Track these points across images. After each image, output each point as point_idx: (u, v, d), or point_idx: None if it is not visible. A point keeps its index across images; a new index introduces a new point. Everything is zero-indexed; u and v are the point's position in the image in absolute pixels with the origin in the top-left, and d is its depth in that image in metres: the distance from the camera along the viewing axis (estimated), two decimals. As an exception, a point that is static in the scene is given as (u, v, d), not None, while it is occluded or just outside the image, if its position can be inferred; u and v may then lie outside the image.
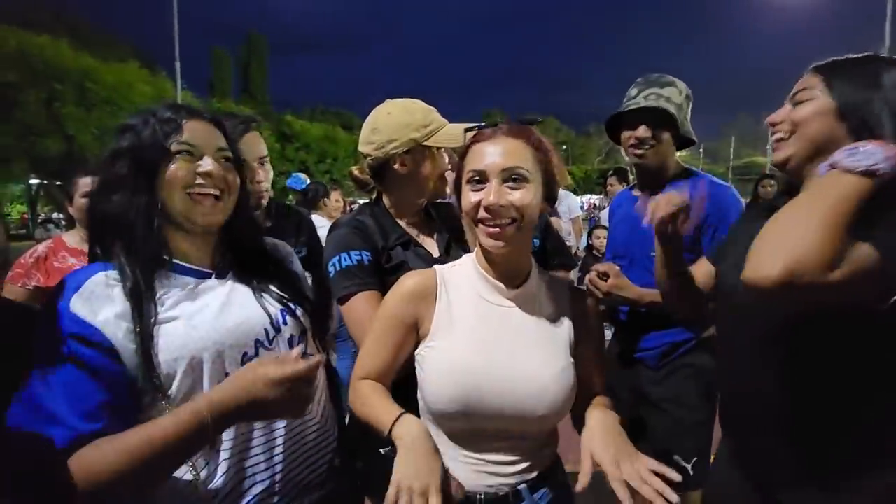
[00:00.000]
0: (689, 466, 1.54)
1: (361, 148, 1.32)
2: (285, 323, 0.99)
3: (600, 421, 0.91)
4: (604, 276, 1.53)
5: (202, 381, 0.84)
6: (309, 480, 0.98)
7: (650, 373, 1.61)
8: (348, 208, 4.55)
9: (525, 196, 0.90)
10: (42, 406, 0.74)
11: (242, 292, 0.97)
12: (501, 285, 0.98)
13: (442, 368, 0.92)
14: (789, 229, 0.77)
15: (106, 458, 0.73)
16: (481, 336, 0.95)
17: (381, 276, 1.21)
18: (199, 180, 0.89)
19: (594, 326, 1.08)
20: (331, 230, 1.32)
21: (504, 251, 0.92)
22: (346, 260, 1.20)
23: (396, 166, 1.26)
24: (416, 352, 0.99)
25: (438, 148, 1.29)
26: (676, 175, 1.61)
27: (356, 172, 1.39)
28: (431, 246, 1.32)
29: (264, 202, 1.56)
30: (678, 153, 1.68)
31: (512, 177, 0.91)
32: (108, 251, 0.87)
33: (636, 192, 1.74)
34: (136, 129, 0.88)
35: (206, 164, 0.89)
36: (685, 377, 1.55)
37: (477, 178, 0.92)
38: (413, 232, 1.31)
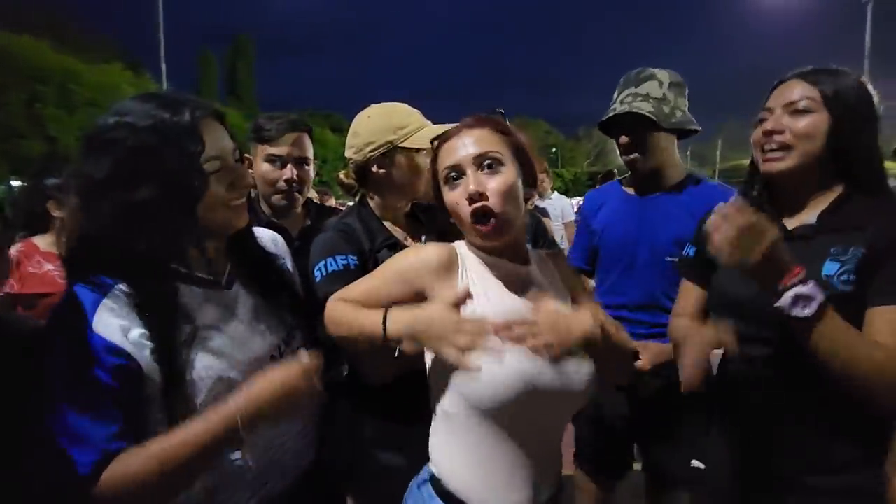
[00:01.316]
0: (701, 465, 1.50)
1: (346, 152, 1.31)
2: (294, 336, 0.97)
3: None
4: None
5: (227, 395, 0.82)
6: (286, 480, 0.95)
7: (657, 378, 1.50)
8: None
9: (505, 180, 0.87)
10: (68, 426, 0.71)
11: (255, 305, 0.93)
12: (509, 265, 0.94)
13: (500, 371, 0.80)
14: (862, 375, 0.86)
15: (137, 467, 0.71)
16: (511, 303, 0.89)
17: None
18: (238, 194, 0.86)
19: (578, 281, 1.08)
20: (322, 230, 1.30)
21: (498, 244, 0.90)
22: (332, 264, 1.17)
23: (374, 169, 1.25)
24: None
25: (419, 150, 1.26)
26: (681, 182, 1.52)
27: (342, 177, 1.39)
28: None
29: (300, 200, 1.57)
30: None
31: (486, 163, 0.88)
32: (119, 276, 0.78)
33: (627, 189, 1.62)
34: (152, 146, 0.76)
35: (240, 173, 0.86)
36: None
37: (453, 174, 0.89)
38: (399, 234, 1.30)
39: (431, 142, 1.02)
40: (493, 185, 0.86)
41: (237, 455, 0.85)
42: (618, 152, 1.57)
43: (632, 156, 1.49)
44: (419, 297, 0.90)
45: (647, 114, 1.40)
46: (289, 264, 1.09)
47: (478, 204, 0.85)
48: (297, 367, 0.79)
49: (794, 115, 0.97)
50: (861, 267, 0.92)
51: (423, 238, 1.34)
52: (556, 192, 5.14)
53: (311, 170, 1.57)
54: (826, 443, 0.95)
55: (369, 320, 0.88)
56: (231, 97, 41.11)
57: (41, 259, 1.77)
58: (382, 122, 1.25)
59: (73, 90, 15.73)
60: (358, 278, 1.13)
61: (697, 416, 1.50)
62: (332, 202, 4.24)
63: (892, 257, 0.89)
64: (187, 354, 0.79)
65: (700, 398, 1.58)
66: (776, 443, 1.01)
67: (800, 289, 0.85)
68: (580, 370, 0.87)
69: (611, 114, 1.48)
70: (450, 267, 0.91)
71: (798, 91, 0.97)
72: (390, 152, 1.24)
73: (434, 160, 0.95)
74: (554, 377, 0.83)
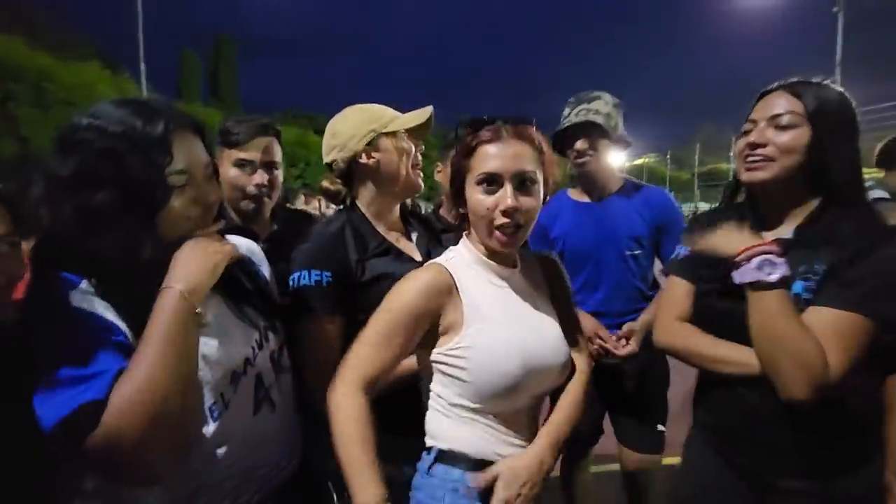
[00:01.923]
0: (665, 430, 1.84)
1: (326, 159, 1.31)
2: (267, 339, 0.97)
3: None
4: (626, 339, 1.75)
5: (201, 397, 0.83)
6: (269, 484, 0.95)
7: (630, 357, 1.75)
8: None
9: (534, 202, 0.94)
10: (55, 377, 0.68)
11: (227, 309, 0.94)
12: (503, 268, 1.02)
13: (499, 346, 0.93)
14: (776, 357, 0.91)
15: (130, 388, 0.69)
16: (510, 313, 0.99)
17: (344, 295, 1.17)
18: (200, 210, 0.85)
19: (565, 286, 1.16)
20: (306, 237, 1.27)
21: (509, 251, 1.00)
22: (304, 278, 1.16)
23: (363, 160, 1.25)
24: (450, 347, 0.94)
25: (402, 134, 1.28)
26: (622, 188, 1.86)
27: (327, 185, 1.36)
28: (412, 250, 1.30)
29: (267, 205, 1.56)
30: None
31: (523, 181, 0.93)
32: (83, 275, 0.78)
33: (579, 198, 1.92)
34: (119, 152, 0.76)
35: (206, 190, 0.86)
36: (650, 352, 1.67)
37: (488, 180, 0.93)
38: (392, 237, 1.29)
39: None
40: (527, 205, 0.93)
41: (223, 449, 0.86)
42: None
43: (585, 159, 1.79)
44: (441, 322, 0.96)
45: (601, 122, 1.73)
46: (265, 271, 1.09)
47: (510, 220, 0.92)
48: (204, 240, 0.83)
49: (778, 130, 0.99)
50: (822, 282, 0.94)
51: (414, 237, 1.34)
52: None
53: (279, 174, 1.56)
54: (803, 447, 0.97)
55: (352, 470, 0.86)
56: (213, 98, 40.52)
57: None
58: (361, 116, 1.27)
59: (47, 89, 15.29)
60: (326, 297, 1.15)
61: (662, 388, 1.86)
62: (315, 204, 4.19)
63: (848, 266, 0.92)
64: None
65: (664, 373, 1.84)
66: (754, 445, 1.04)
67: (770, 256, 0.91)
68: (558, 343, 1.02)
69: (567, 124, 1.77)
70: (449, 289, 0.96)
71: (782, 104, 1.00)
72: (375, 140, 1.25)
73: (466, 155, 0.97)
74: (542, 353, 0.97)
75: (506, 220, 0.92)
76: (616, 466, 2.00)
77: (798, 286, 0.96)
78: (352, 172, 1.28)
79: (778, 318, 0.90)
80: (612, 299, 1.83)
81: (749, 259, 0.93)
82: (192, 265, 0.80)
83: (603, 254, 1.82)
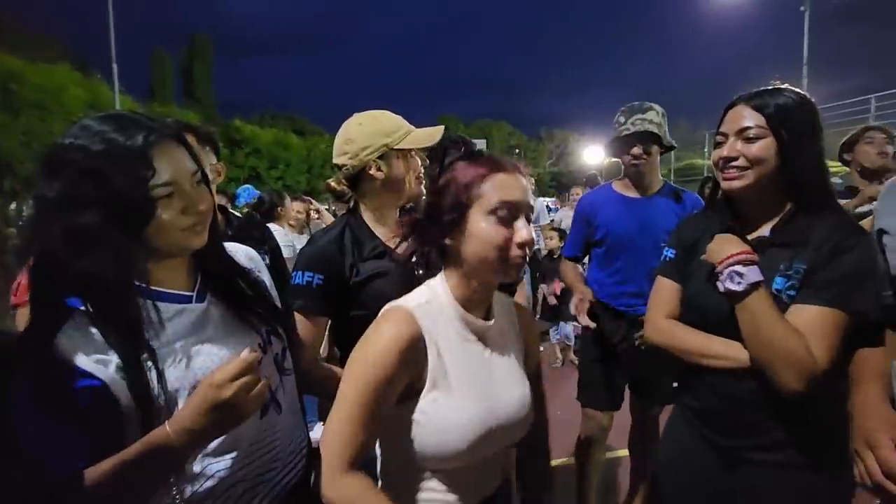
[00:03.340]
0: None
1: (336, 160, 1.34)
2: (270, 343, 0.98)
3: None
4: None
5: None
6: (280, 487, 0.96)
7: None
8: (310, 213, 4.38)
9: (532, 233, 0.94)
10: (30, 450, 0.72)
11: (227, 315, 0.94)
12: (479, 321, 0.97)
13: (452, 420, 0.89)
14: (768, 356, 0.98)
15: (81, 491, 0.71)
16: (472, 377, 0.93)
17: (335, 297, 1.25)
18: (191, 220, 0.85)
19: (536, 340, 1.15)
20: (309, 241, 1.38)
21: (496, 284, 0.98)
22: (297, 278, 1.26)
23: (372, 171, 1.30)
24: (411, 407, 0.91)
25: (410, 151, 1.33)
26: (662, 188, 2.12)
27: (333, 184, 1.42)
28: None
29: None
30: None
31: (528, 215, 0.94)
32: (79, 295, 0.79)
33: (624, 192, 2.15)
34: (102, 171, 0.76)
35: (194, 199, 0.85)
36: None
37: (504, 210, 0.88)
38: (391, 241, 1.33)
39: (450, 155, 1.09)
40: (531, 238, 0.92)
41: (232, 455, 0.86)
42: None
43: (640, 162, 2.02)
44: (416, 382, 0.91)
45: (656, 131, 1.96)
46: (265, 278, 1.10)
47: (525, 253, 0.91)
48: (223, 374, 0.76)
49: (747, 142, 1.07)
50: (803, 281, 1.03)
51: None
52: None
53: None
54: (766, 425, 1.09)
55: None
56: (188, 99, 39.70)
57: None
58: (375, 127, 1.31)
59: (15, 92, 14.80)
60: (314, 297, 1.23)
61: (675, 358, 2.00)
62: (300, 208, 4.10)
63: (824, 267, 1.01)
64: (157, 370, 0.79)
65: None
66: (730, 425, 1.14)
67: (737, 267, 1.01)
68: (524, 400, 0.98)
69: (626, 132, 1.99)
70: (417, 349, 0.89)
71: (746, 118, 1.07)
72: (387, 154, 1.29)
73: (472, 182, 0.90)
74: (499, 422, 0.93)
75: (521, 252, 0.90)
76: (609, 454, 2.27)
77: (779, 282, 1.05)
78: (359, 179, 1.33)
79: (762, 321, 1.00)
80: (645, 285, 1.95)
81: (721, 271, 1.05)
82: (189, 405, 0.77)
83: (640, 244, 2.03)
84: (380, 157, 1.30)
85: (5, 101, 14.53)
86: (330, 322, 1.32)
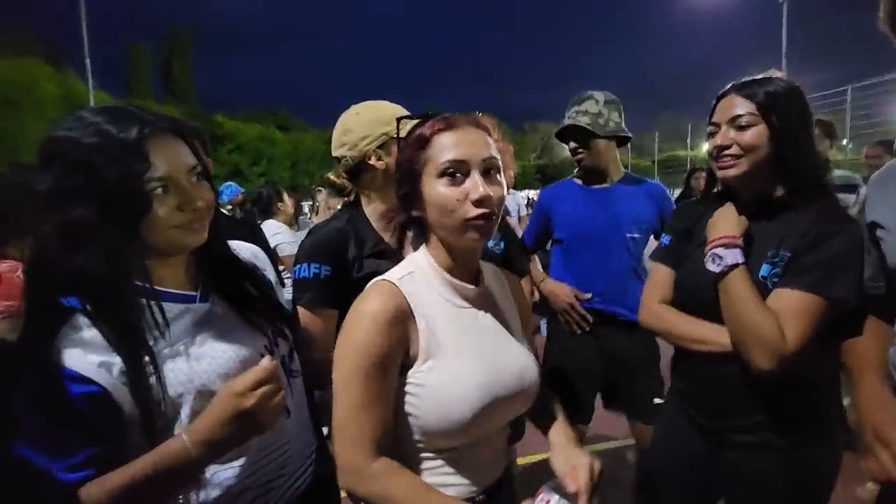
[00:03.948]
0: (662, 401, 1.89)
1: (336, 152, 1.31)
2: (277, 344, 0.95)
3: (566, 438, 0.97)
4: None
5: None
6: (289, 493, 0.94)
7: (624, 337, 1.85)
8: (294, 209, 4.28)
9: (502, 190, 0.86)
10: (27, 458, 0.69)
11: (233, 315, 0.91)
12: (467, 286, 0.92)
13: (455, 386, 0.84)
14: (740, 333, 1.03)
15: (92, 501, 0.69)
16: (469, 343, 0.89)
17: (341, 290, 1.18)
18: (187, 216, 0.80)
19: (528, 305, 1.10)
20: (310, 233, 1.32)
21: (480, 245, 0.89)
22: (304, 271, 1.21)
23: (372, 161, 1.26)
24: (406, 380, 0.85)
25: None
26: (623, 178, 1.98)
27: (333, 178, 1.37)
28: (409, 250, 1.31)
29: None
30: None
31: (488, 169, 0.85)
32: (77, 295, 0.76)
33: (583, 184, 2.01)
34: (93, 163, 0.73)
35: (191, 194, 0.80)
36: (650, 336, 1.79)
37: (452, 169, 0.83)
38: (388, 236, 1.29)
39: (398, 120, 1.04)
40: (497, 193, 0.84)
41: (240, 462, 0.84)
42: (564, 148, 2.02)
43: (579, 156, 1.92)
44: (409, 351, 0.87)
45: (584, 125, 1.86)
46: (270, 276, 1.06)
47: (484, 210, 0.82)
48: (244, 383, 0.73)
49: (739, 130, 1.08)
50: (786, 267, 1.05)
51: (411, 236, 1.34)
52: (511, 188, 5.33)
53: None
54: (746, 407, 1.12)
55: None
56: (167, 94, 38.86)
57: None
58: (374, 116, 1.27)
59: (-16, 88, 14.35)
60: (323, 289, 1.19)
61: (655, 367, 1.92)
62: (289, 203, 3.98)
63: (806, 253, 1.03)
64: (160, 371, 0.76)
65: (653, 355, 1.92)
66: (714, 407, 1.18)
67: (717, 250, 1.06)
68: (530, 369, 0.94)
69: (560, 126, 1.93)
70: (404, 317, 0.85)
71: (738, 107, 1.09)
72: (387, 143, 1.26)
73: (419, 147, 0.87)
74: (503, 389, 0.88)
75: (480, 210, 0.82)
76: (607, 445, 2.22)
77: (765, 269, 1.07)
78: (359, 171, 1.30)
79: (737, 301, 1.03)
80: (611, 283, 1.89)
81: (706, 252, 1.08)
82: (209, 415, 0.74)
83: (606, 236, 1.91)
84: (380, 147, 1.26)
85: (-26, 98, 14.07)
86: None
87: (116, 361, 0.73)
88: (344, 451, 0.83)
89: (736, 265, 1.04)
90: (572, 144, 1.93)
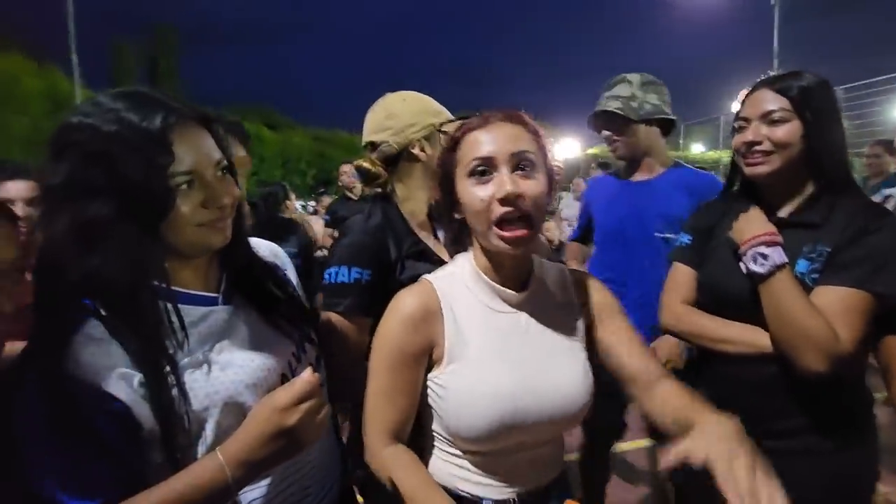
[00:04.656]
0: None
1: (374, 137, 1.22)
2: (305, 351, 0.89)
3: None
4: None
5: (238, 420, 0.73)
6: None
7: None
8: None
9: (537, 186, 0.80)
10: (37, 486, 0.62)
11: (257, 319, 0.86)
12: (508, 290, 0.88)
13: (474, 394, 0.82)
14: (790, 336, 0.97)
15: None
16: (501, 351, 0.85)
17: (382, 295, 1.08)
18: (212, 214, 0.75)
19: (608, 302, 0.95)
20: (342, 231, 1.25)
21: (521, 252, 0.83)
22: (342, 275, 1.11)
23: (416, 151, 1.20)
24: (430, 379, 0.88)
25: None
26: (667, 171, 1.78)
27: (367, 164, 1.26)
28: (441, 250, 1.23)
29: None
30: (601, 148, 1.98)
31: (521, 164, 0.80)
32: (91, 298, 0.69)
33: (623, 176, 1.87)
34: (113, 154, 0.66)
35: (217, 191, 0.75)
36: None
37: (481, 167, 0.80)
38: (423, 234, 1.24)
39: (443, 129, 1.03)
40: (532, 190, 0.79)
41: (256, 495, 0.78)
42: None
43: (613, 146, 1.78)
44: (434, 350, 0.87)
45: (614, 108, 1.69)
46: (292, 276, 1.00)
47: (511, 208, 0.78)
48: (288, 397, 0.68)
49: (772, 125, 1.06)
50: (826, 263, 1.02)
51: (441, 236, 1.27)
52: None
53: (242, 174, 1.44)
54: (783, 411, 1.08)
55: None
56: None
57: None
58: (420, 105, 1.23)
59: (-37, 83, 14.03)
60: (362, 294, 1.10)
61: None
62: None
63: (848, 248, 1.00)
64: (181, 383, 0.69)
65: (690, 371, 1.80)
66: (741, 412, 1.09)
67: (761, 248, 1.00)
68: (573, 381, 0.86)
69: (591, 113, 1.77)
70: (431, 315, 0.86)
71: (770, 102, 1.07)
72: (432, 135, 1.21)
73: (451, 149, 0.86)
74: (534, 404, 0.82)
75: (506, 209, 0.78)
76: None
77: (802, 265, 1.03)
78: (398, 159, 1.22)
79: (785, 301, 0.98)
80: (631, 282, 1.72)
81: (745, 252, 1.03)
82: (246, 432, 0.69)
83: (629, 233, 1.75)
84: (425, 138, 1.21)
85: (-46, 93, 13.73)
86: None
87: (136, 373, 0.66)
88: (366, 432, 0.88)
89: (784, 265, 0.99)
90: (605, 133, 1.79)
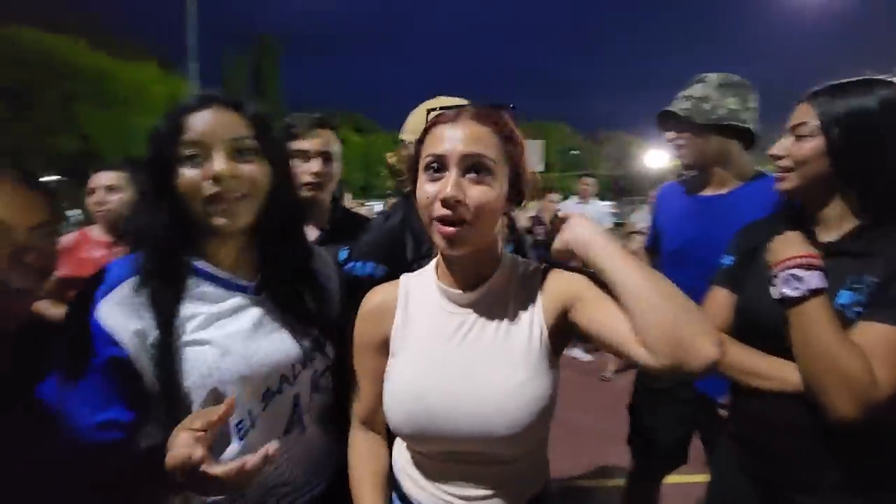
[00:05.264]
0: None
1: (405, 136, 1.27)
2: (312, 360, 0.91)
3: None
4: None
5: (242, 393, 0.81)
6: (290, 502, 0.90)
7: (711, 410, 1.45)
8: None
9: (486, 193, 0.75)
10: (63, 409, 0.73)
11: (277, 317, 0.88)
12: (454, 290, 0.85)
13: (395, 390, 0.83)
14: (819, 372, 0.87)
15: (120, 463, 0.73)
16: (432, 352, 0.83)
17: None
18: (209, 186, 0.78)
19: (575, 286, 0.81)
20: (366, 230, 1.30)
21: (460, 254, 0.79)
22: (358, 269, 1.16)
23: None
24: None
25: None
26: (744, 185, 1.50)
27: (393, 161, 1.28)
28: None
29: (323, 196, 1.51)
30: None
31: (473, 167, 0.75)
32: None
33: (694, 189, 1.63)
34: (152, 136, 0.81)
35: (216, 163, 0.78)
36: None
37: (434, 164, 0.77)
38: None
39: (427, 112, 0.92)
40: (476, 197, 0.75)
41: None
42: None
43: (678, 151, 1.57)
44: (390, 344, 0.88)
45: (676, 111, 1.48)
46: (333, 285, 1.01)
47: (446, 213, 0.75)
48: (185, 450, 0.64)
49: (798, 140, 0.99)
50: (872, 296, 0.90)
51: None
52: (596, 198, 5.31)
53: (336, 166, 1.55)
54: (816, 461, 0.95)
55: None
56: (258, 96, 41.60)
57: (92, 246, 1.97)
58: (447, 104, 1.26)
59: (107, 89, 16.18)
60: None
61: None
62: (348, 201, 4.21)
63: (894, 280, 0.88)
64: (187, 362, 0.77)
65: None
66: (775, 459, 1.01)
67: (795, 270, 0.91)
68: (507, 385, 0.78)
69: (660, 112, 1.58)
70: (386, 310, 0.89)
71: (801, 115, 0.99)
72: None
73: (420, 140, 0.83)
74: (445, 410, 0.78)
75: (444, 212, 0.74)
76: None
77: (844, 296, 0.92)
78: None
79: (817, 333, 0.88)
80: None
81: (777, 274, 0.94)
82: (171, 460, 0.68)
83: (689, 254, 1.51)
84: None
85: (97, 97, 15.91)
86: None
87: (151, 339, 0.76)
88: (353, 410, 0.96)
89: (819, 290, 0.89)
90: (670, 135, 1.59)
